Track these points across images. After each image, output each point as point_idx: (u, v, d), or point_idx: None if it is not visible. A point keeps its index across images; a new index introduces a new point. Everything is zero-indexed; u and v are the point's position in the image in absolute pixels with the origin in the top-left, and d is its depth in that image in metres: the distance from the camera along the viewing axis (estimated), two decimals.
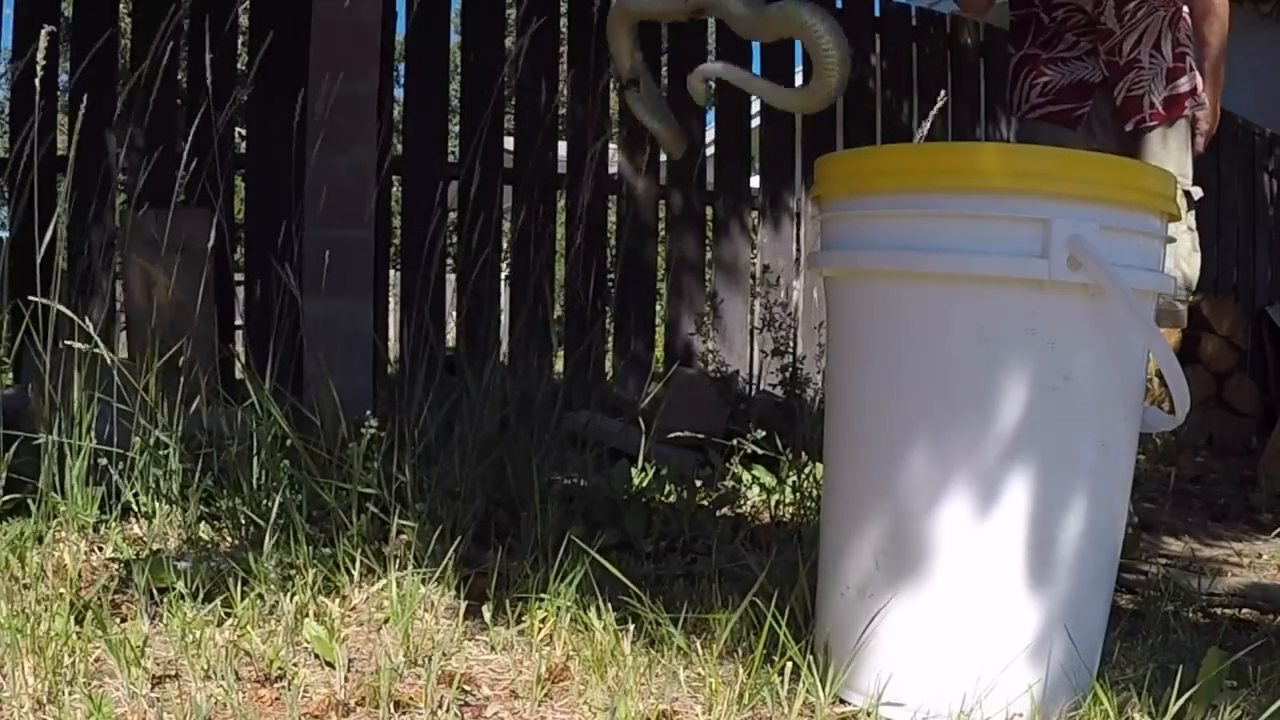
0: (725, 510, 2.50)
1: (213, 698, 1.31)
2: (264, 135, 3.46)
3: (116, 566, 1.77)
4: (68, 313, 1.99)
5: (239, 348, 3.50)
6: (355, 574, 1.74)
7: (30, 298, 2.05)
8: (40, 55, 2.12)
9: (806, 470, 2.68)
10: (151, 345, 2.11)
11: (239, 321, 3.66)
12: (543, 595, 1.61)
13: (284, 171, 3.03)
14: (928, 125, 2.86)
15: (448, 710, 1.33)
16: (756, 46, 4.45)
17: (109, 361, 2.00)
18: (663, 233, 4.43)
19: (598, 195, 4.04)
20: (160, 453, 2.05)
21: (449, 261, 4.29)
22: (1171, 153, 2.67)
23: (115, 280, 3.52)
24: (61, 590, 1.58)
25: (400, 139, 3.94)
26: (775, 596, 1.49)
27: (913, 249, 1.34)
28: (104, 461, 1.99)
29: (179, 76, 3.57)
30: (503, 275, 4.03)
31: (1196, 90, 2.71)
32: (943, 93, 2.81)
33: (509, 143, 4.06)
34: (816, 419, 3.02)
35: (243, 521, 1.97)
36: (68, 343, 2.00)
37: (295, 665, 1.43)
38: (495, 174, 3.84)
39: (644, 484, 2.50)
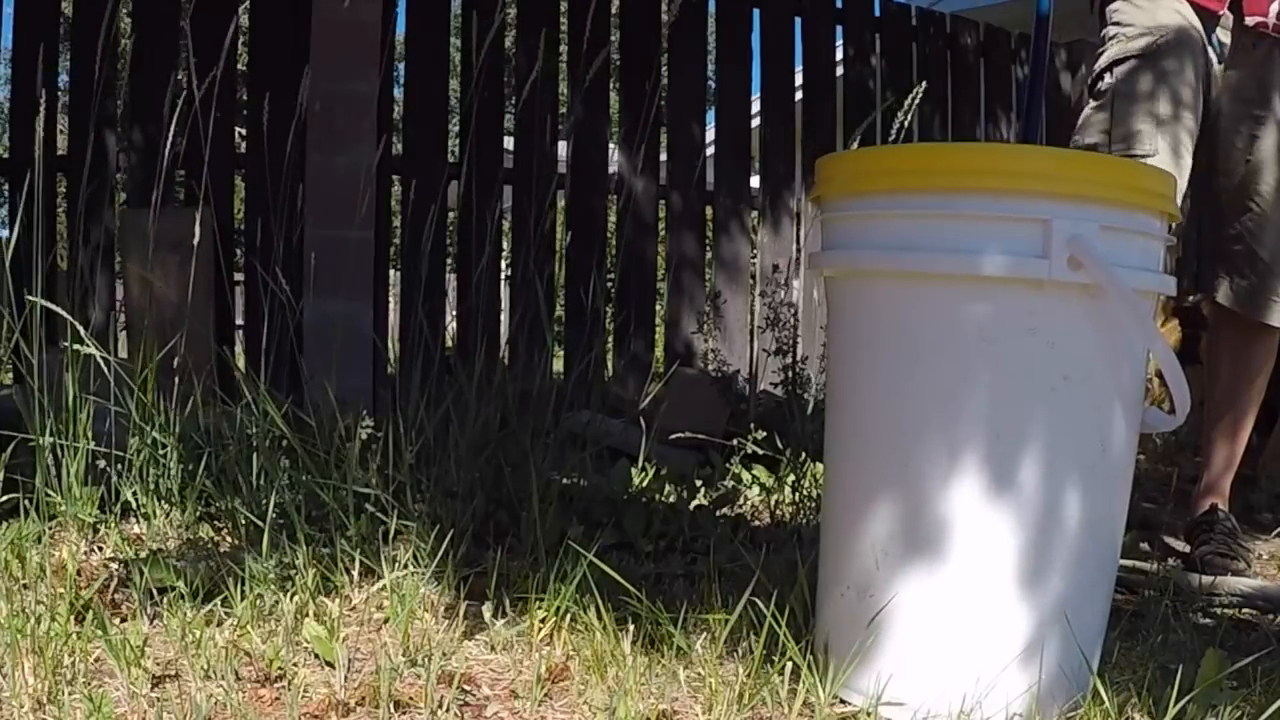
0: (725, 510, 2.50)
1: (213, 698, 1.31)
2: (263, 135, 3.47)
3: (116, 566, 1.77)
4: (61, 312, 1.99)
5: (238, 348, 3.50)
6: (355, 574, 1.74)
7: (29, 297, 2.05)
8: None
9: (806, 470, 2.68)
10: (146, 345, 2.11)
11: (239, 321, 3.66)
12: (542, 595, 1.61)
13: (284, 171, 3.04)
14: (907, 117, 2.73)
15: (448, 710, 1.33)
16: (756, 48, 4.46)
17: (102, 361, 2.00)
18: (663, 232, 4.43)
19: (598, 195, 4.04)
20: (159, 452, 2.05)
21: (449, 261, 4.29)
22: None
23: (115, 280, 3.53)
24: (61, 590, 1.58)
25: (400, 139, 3.94)
26: (775, 596, 1.49)
27: (913, 249, 1.34)
28: (102, 463, 1.99)
29: (179, 76, 3.57)
30: (503, 275, 4.03)
31: None
32: (921, 86, 2.68)
33: (509, 143, 4.06)
34: (817, 419, 3.02)
35: (242, 521, 1.97)
36: (64, 344, 2.00)
37: (295, 665, 1.43)
38: (495, 174, 3.84)
39: (644, 484, 2.50)
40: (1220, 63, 2.28)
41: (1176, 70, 2.22)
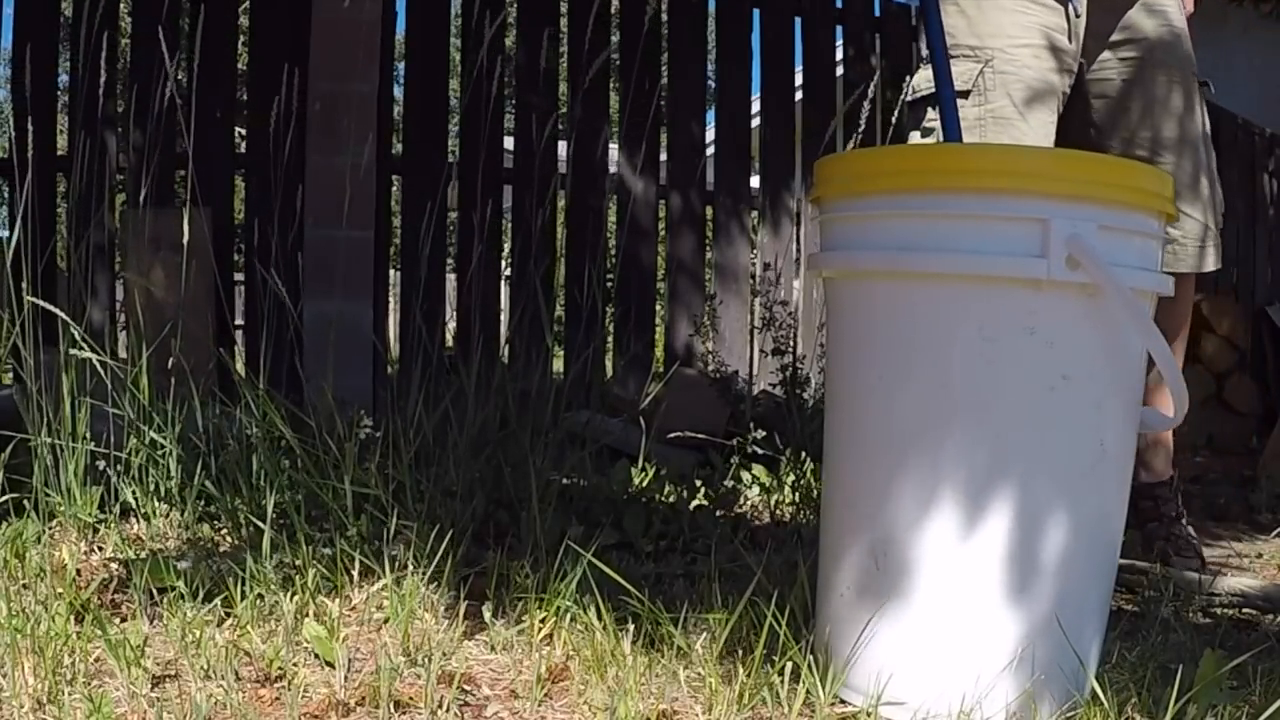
0: (725, 510, 2.50)
1: (213, 698, 1.31)
2: (263, 135, 3.47)
3: (116, 566, 1.77)
4: (58, 313, 1.99)
5: (238, 348, 3.49)
6: (355, 574, 1.74)
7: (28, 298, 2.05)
8: None
9: (806, 470, 2.68)
10: (140, 345, 2.11)
11: (239, 322, 3.65)
12: (542, 595, 1.61)
13: (283, 171, 3.03)
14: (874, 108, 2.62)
15: (448, 710, 1.33)
16: (756, 48, 4.46)
17: (99, 362, 2.00)
18: (662, 232, 4.43)
19: (597, 195, 4.04)
20: (158, 453, 2.05)
21: (449, 261, 4.29)
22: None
23: (115, 280, 3.53)
24: (61, 590, 1.58)
25: (400, 139, 3.94)
26: (775, 596, 1.49)
27: (912, 249, 1.34)
28: (101, 463, 1.99)
29: (179, 76, 3.57)
30: (503, 275, 4.03)
31: None
32: (877, 75, 2.62)
33: (509, 143, 4.06)
34: (816, 418, 3.02)
35: (242, 521, 1.97)
36: (66, 347, 2.00)
37: (295, 665, 1.43)
38: (495, 174, 3.84)
39: (644, 484, 2.50)
40: (1078, 15, 2.10)
41: (1008, 101, 2.06)
